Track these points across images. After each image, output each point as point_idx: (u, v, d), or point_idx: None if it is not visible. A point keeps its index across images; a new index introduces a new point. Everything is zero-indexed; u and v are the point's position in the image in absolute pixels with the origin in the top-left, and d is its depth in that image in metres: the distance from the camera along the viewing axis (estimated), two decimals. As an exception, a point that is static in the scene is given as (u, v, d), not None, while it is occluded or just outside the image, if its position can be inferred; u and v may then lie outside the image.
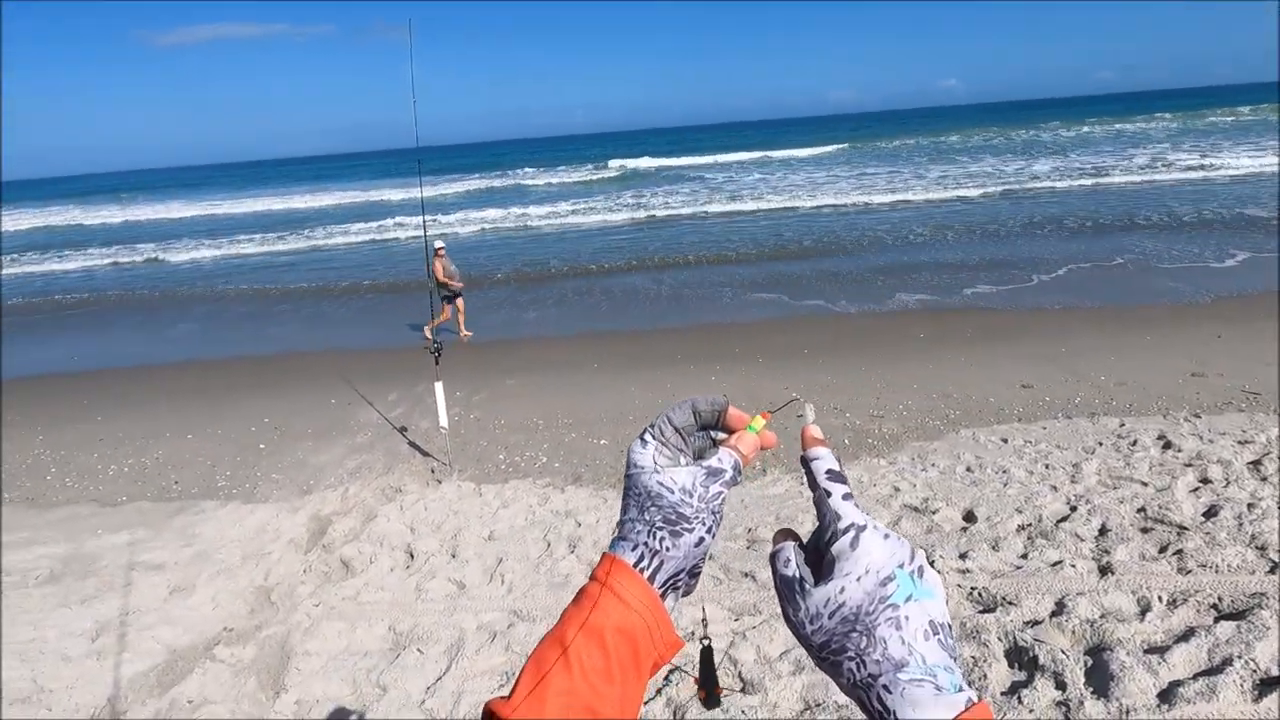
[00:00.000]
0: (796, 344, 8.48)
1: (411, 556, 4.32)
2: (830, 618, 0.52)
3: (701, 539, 0.60)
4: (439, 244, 10.20)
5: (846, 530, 0.54)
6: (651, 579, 0.58)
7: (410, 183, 38.21)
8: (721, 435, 0.65)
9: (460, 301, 10.12)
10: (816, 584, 0.54)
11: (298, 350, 10.14)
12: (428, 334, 9.84)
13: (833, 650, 0.52)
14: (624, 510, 0.62)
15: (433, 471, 5.78)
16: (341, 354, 9.67)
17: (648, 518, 0.59)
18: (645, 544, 0.59)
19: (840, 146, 40.50)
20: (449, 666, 3.20)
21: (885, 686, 0.49)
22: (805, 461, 0.59)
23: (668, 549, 0.59)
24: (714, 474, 0.61)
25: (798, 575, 0.55)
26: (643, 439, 0.63)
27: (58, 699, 3.21)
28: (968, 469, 4.91)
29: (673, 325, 10.05)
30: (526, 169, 46.23)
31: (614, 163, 43.21)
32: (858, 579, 0.52)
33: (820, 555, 0.56)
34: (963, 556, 3.66)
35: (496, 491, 5.25)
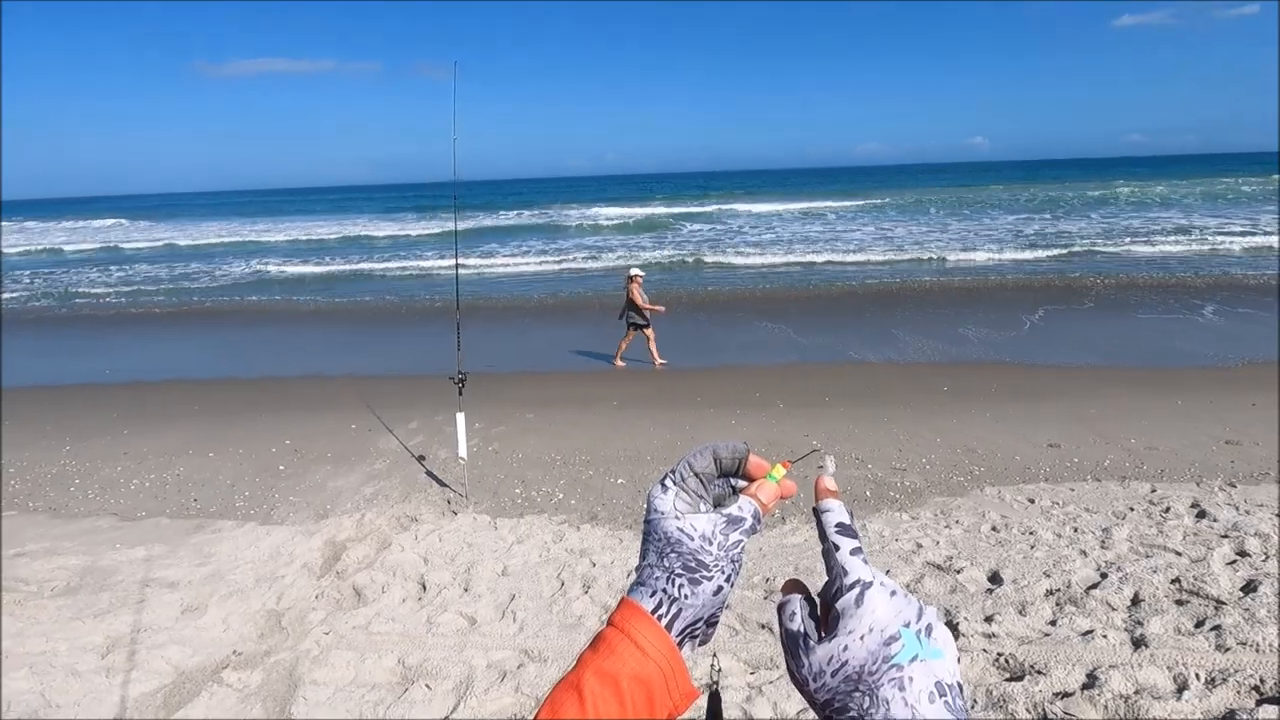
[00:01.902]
0: (817, 391, 8.42)
1: (424, 588, 4.28)
2: (833, 676, 0.51)
3: (720, 587, 0.60)
4: (637, 271, 10.30)
5: (852, 586, 0.53)
6: (669, 627, 0.58)
7: (436, 216, 39.10)
8: (741, 483, 0.65)
9: (650, 330, 10.09)
10: (820, 640, 0.53)
11: (322, 374, 10.27)
12: (619, 363, 10.05)
13: (836, 709, 0.51)
14: (643, 555, 0.62)
15: (449, 502, 5.76)
16: (364, 379, 9.78)
17: (667, 564, 0.59)
18: (664, 591, 0.59)
19: (863, 202, 40.56)
20: (457, 705, 3.13)
21: None
22: (816, 513, 0.59)
23: (686, 596, 0.59)
24: (734, 522, 0.61)
25: (802, 630, 0.55)
26: (663, 484, 0.63)
27: (65, 714, 3.19)
28: (993, 528, 4.79)
29: (693, 367, 10.06)
30: (558, 206, 47.29)
31: (642, 207, 43.92)
32: (861, 637, 0.51)
33: (828, 610, 0.55)
34: (988, 620, 3.54)
35: (512, 526, 5.21)
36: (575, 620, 3.84)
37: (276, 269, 22.81)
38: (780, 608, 0.58)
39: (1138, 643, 3.26)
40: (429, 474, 6.38)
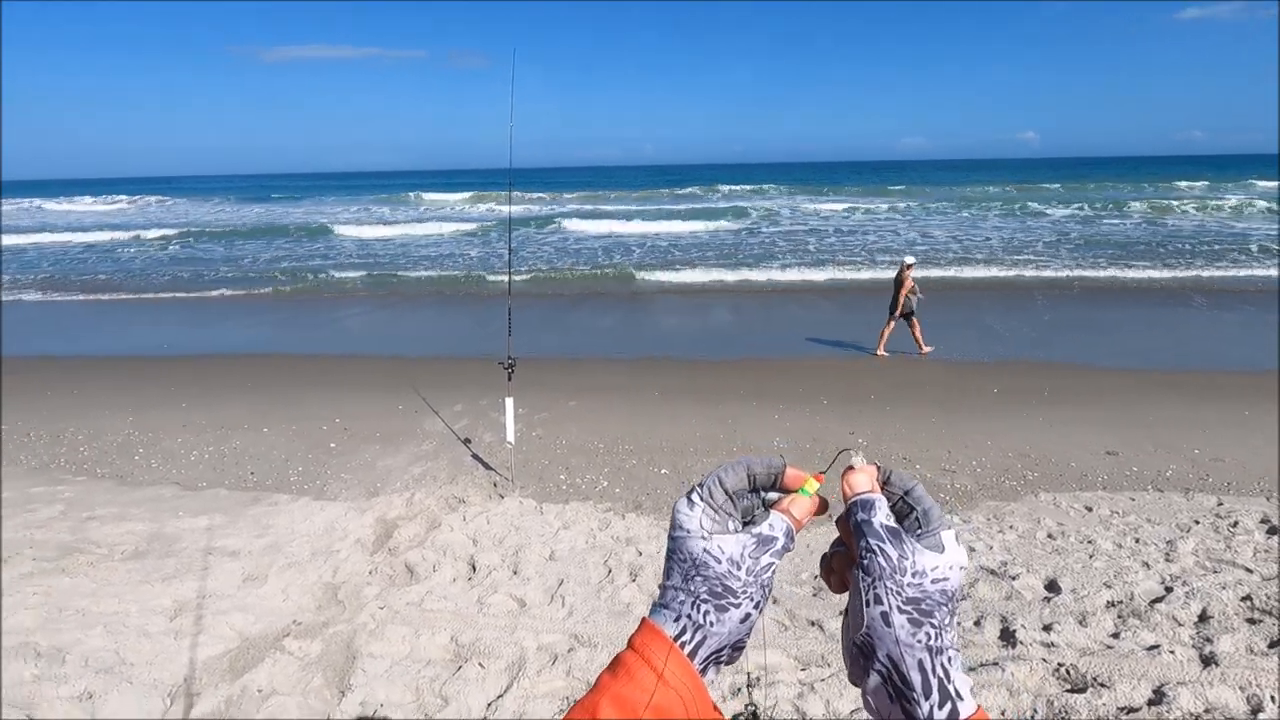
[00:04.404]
0: (863, 389, 8.30)
1: (474, 569, 4.36)
2: (932, 584, 0.55)
3: (749, 615, 0.57)
4: (911, 260, 10.34)
5: (949, 526, 0.57)
6: (692, 655, 0.56)
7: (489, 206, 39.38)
8: (772, 496, 0.62)
9: (915, 319, 10.13)
10: (919, 547, 0.56)
11: (370, 354, 10.49)
12: (881, 352, 10.01)
13: (923, 610, 0.54)
14: (667, 574, 0.59)
15: (495, 485, 5.85)
16: (408, 360, 9.96)
17: (692, 588, 0.57)
18: (688, 616, 0.57)
19: (898, 203, 39.17)
20: (510, 685, 3.19)
21: (949, 659, 0.54)
22: (858, 506, 0.59)
23: (712, 624, 0.56)
24: (764, 543, 0.58)
25: (899, 527, 0.57)
26: (690, 499, 0.60)
27: (138, 672, 3.33)
28: (1049, 535, 4.68)
29: (737, 358, 10.00)
30: (600, 192, 47.53)
31: (685, 192, 43.62)
32: (960, 569, 0.56)
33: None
34: (1047, 629, 3.47)
35: (558, 512, 5.26)
36: (624, 608, 3.87)
37: (312, 253, 23.33)
38: (862, 502, 0.58)
39: (1207, 660, 3.15)
40: (475, 456, 6.48)
